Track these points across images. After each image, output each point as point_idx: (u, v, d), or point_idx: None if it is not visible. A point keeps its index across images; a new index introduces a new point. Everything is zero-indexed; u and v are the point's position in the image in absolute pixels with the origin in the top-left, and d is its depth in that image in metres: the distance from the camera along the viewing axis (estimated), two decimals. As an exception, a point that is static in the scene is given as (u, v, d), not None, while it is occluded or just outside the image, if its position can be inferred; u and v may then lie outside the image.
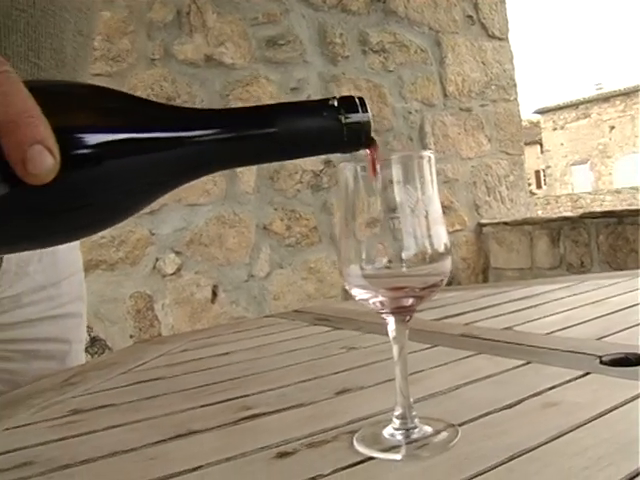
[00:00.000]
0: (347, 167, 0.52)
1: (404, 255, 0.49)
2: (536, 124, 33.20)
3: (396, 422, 0.53)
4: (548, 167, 32.93)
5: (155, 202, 0.47)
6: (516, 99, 4.14)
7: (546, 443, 0.50)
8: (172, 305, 2.94)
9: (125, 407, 0.72)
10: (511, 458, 0.47)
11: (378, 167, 0.48)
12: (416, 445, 0.52)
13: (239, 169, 2.99)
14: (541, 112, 33.23)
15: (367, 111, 0.46)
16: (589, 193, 24.38)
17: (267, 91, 3.22)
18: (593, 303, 1.08)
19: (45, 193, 0.38)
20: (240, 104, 3.12)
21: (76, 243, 1.05)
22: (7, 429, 0.67)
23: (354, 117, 0.46)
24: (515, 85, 4.14)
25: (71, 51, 0.77)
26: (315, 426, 0.58)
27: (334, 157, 3.01)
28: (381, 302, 0.51)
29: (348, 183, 0.52)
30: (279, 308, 3.05)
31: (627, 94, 29.06)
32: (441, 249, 0.50)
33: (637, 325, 0.87)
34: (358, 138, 0.46)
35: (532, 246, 3.55)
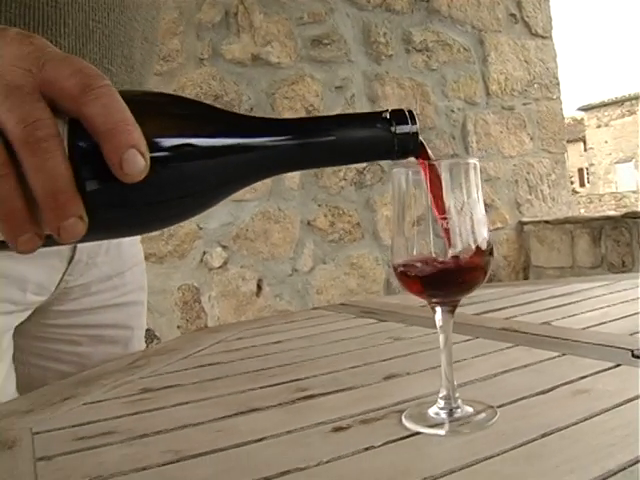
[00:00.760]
0: (400, 171, 0.58)
1: (450, 252, 0.55)
2: (580, 121, 32.75)
3: (441, 402, 0.59)
4: (592, 165, 32.47)
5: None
6: (559, 97, 4.13)
7: (576, 424, 0.55)
8: (218, 297, 3.02)
9: (191, 387, 0.79)
10: (543, 435, 0.53)
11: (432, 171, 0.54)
12: (458, 423, 0.58)
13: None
14: (585, 109, 32.77)
15: (416, 123, 0.52)
16: (633, 192, 23.99)
17: (312, 90, 3.29)
18: (630, 301, 1.11)
19: (137, 189, 0.45)
20: (286, 102, 3.19)
21: (137, 237, 1.12)
22: (85, 404, 0.75)
23: (404, 128, 0.52)
24: (558, 83, 4.13)
25: (139, 57, 0.84)
26: (366, 406, 0.64)
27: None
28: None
29: (400, 186, 0.58)
30: (322, 302, 3.12)
31: (674, 91, 28.49)
32: (484, 247, 0.56)
33: (670, 322, 0.91)
34: (407, 147, 0.52)
35: (573, 245, 3.55)
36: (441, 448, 0.53)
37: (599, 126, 31.91)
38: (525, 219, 3.89)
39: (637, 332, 0.86)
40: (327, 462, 0.51)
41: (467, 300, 1.20)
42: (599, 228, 3.40)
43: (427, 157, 0.54)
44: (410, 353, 0.87)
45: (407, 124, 0.52)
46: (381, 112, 0.52)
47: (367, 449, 0.53)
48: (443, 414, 0.59)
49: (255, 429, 0.61)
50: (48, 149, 0.40)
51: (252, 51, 3.17)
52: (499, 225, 3.79)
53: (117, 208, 0.47)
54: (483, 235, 0.56)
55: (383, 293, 3.33)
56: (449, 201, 0.54)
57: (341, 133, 0.52)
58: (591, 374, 0.69)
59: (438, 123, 3.65)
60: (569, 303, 1.16)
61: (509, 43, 3.95)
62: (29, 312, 0.91)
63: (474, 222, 0.55)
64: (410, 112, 0.52)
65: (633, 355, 0.75)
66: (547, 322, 0.99)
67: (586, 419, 0.56)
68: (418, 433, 0.56)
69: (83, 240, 0.44)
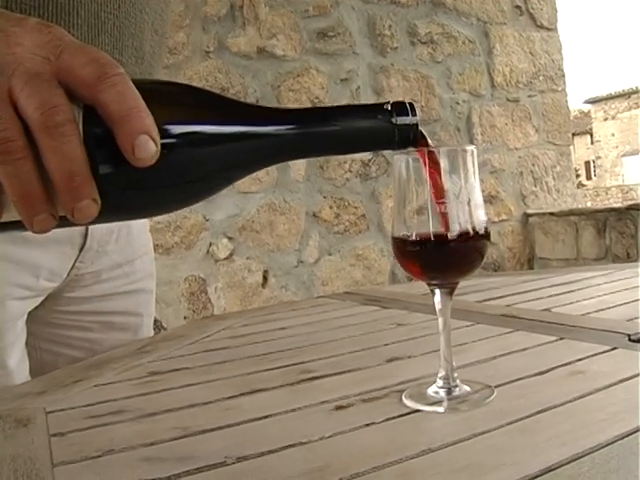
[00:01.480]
0: (400, 158, 0.60)
1: (449, 235, 0.57)
2: (586, 114, 32.65)
3: (440, 382, 0.62)
4: (598, 158, 32.38)
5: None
6: (564, 90, 4.13)
7: (570, 402, 0.57)
8: (224, 288, 3.05)
9: (198, 370, 0.81)
10: (538, 412, 0.55)
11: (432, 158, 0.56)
12: (457, 401, 0.60)
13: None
14: (592, 102, 32.67)
15: (416, 114, 0.54)
16: (640, 185, 23.92)
17: (317, 82, 3.30)
18: (629, 289, 1.13)
19: (148, 173, 0.47)
20: (291, 95, 3.21)
21: (146, 226, 1.15)
22: (96, 385, 0.77)
23: (404, 119, 0.54)
24: (563, 75, 4.13)
25: (149, 49, 0.86)
26: (368, 386, 0.66)
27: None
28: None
29: (401, 171, 0.60)
30: (327, 293, 3.13)
31: (682, 83, 28.34)
32: (481, 231, 0.58)
33: (667, 308, 0.93)
34: (407, 137, 0.54)
35: (578, 237, 3.56)
36: (439, 424, 0.56)
37: (606, 119, 31.80)
38: (530, 211, 3.89)
39: (635, 318, 0.88)
40: (329, 437, 0.54)
41: (469, 288, 1.22)
42: (604, 220, 3.41)
43: (427, 147, 0.56)
44: (412, 338, 0.89)
45: (407, 115, 0.54)
46: (383, 104, 0.54)
47: (368, 425, 0.56)
48: (442, 393, 0.61)
49: (260, 407, 0.63)
50: (65, 133, 0.42)
51: (258, 44, 3.18)
52: (504, 217, 3.80)
53: (128, 191, 0.49)
54: (480, 219, 0.58)
55: (388, 284, 3.35)
56: (447, 186, 0.57)
57: (344, 123, 0.54)
58: (587, 357, 0.71)
59: (443, 115, 3.66)
60: (570, 291, 1.18)
61: (514, 35, 3.95)
62: (42, 298, 0.94)
63: (471, 207, 0.57)
64: (411, 104, 0.54)
65: (630, 339, 0.77)
66: (547, 309, 1.01)
67: (580, 397, 0.58)
68: (418, 411, 0.58)
69: (96, 222, 0.46)
